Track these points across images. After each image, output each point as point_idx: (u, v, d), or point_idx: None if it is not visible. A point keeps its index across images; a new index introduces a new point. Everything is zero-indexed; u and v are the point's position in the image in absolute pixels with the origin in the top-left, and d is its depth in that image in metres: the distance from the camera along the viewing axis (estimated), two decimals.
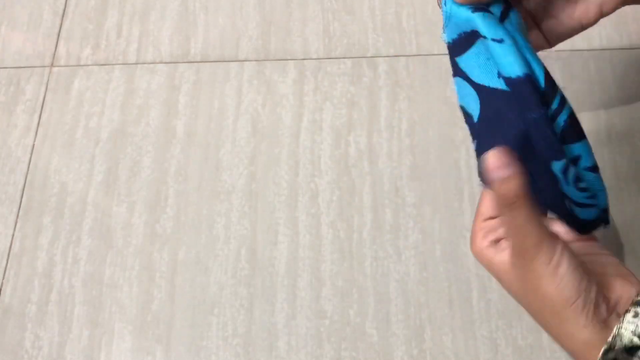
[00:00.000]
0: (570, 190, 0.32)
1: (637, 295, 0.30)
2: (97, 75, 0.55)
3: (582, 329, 0.29)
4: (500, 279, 0.34)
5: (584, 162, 0.31)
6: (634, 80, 0.52)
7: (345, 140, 0.51)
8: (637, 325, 0.28)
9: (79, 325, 0.46)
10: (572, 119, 0.30)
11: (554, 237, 0.30)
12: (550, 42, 0.37)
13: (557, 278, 0.29)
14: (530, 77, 0.29)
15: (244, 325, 0.45)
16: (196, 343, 0.45)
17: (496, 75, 0.31)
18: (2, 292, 0.48)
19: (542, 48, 0.37)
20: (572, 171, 0.31)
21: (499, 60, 0.30)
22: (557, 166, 0.31)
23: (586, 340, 0.29)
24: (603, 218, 0.34)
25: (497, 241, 0.34)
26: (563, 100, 0.30)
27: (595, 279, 0.30)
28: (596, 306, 0.29)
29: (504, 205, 0.29)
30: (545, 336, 0.43)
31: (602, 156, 0.49)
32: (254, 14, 0.57)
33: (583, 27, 0.36)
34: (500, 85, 0.31)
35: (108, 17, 0.58)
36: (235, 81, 0.54)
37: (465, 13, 0.31)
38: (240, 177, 0.50)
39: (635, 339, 0.28)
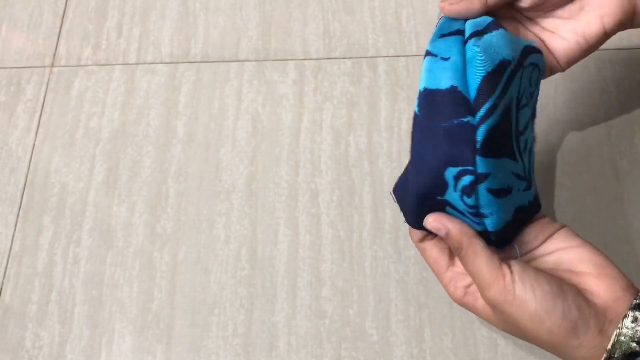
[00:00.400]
0: (454, 198, 0.32)
1: (635, 298, 0.29)
2: (97, 75, 0.55)
3: (577, 349, 0.29)
4: (490, 322, 0.34)
5: (489, 183, 0.31)
6: (633, 80, 0.52)
7: (345, 140, 0.51)
8: (636, 331, 0.28)
9: (80, 325, 0.46)
10: (491, 135, 0.31)
11: (504, 268, 0.31)
12: (562, 65, 0.36)
13: (530, 314, 0.29)
14: (454, 89, 0.31)
15: (244, 325, 0.45)
16: (196, 343, 0.45)
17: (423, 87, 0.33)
18: (2, 291, 0.48)
19: (555, 71, 0.37)
20: (464, 181, 0.31)
21: (433, 75, 0.32)
22: (450, 172, 0.31)
23: (586, 355, 0.29)
24: (490, 238, 0.34)
25: (468, 287, 0.34)
26: (489, 114, 0.30)
27: (572, 290, 0.30)
28: (584, 321, 0.29)
29: (454, 249, 0.33)
30: None
31: (602, 156, 0.49)
32: (254, 14, 0.57)
33: (589, 44, 0.35)
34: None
35: (108, 17, 0.58)
36: (236, 81, 0.54)
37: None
38: (240, 177, 0.50)
39: (634, 345, 0.28)
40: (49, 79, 0.56)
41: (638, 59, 0.52)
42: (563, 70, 0.37)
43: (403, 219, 0.37)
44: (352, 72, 0.54)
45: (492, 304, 0.31)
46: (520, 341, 0.43)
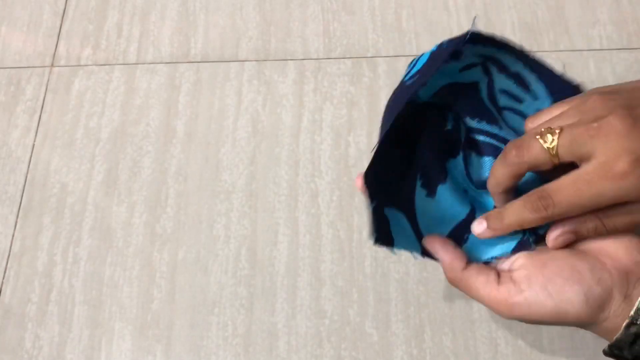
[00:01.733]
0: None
1: None
2: (97, 75, 0.55)
3: (604, 321, 0.29)
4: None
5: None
6: (633, 80, 0.52)
7: (345, 140, 0.51)
8: None
9: (79, 325, 0.46)
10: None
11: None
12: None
13: (545, 311, 0.29)
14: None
15: (244, 325, 0.45)
16: (196, 343, 0.45)
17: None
18: (2, 292, 0.48)
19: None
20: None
21: None
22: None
23: (613, 323, 0.29)
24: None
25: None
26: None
27: (588, 266, 0.29)
28: (607, 294, 0.28)
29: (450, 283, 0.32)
30: (545, 336, 0.43)
31: None
32: (254, 14, 0.57)
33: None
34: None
35: (108, 17, 0.58)
36: (236, 81, 0.54)
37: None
38: (240, 177, 0.50)
39: None
40: (48, 79, 0.56)
41: (638, 59, 0.52)
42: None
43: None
44: (352, 72, 0.54)
45: (514, 318, 0.31)
46: (520, 341, 0.43)
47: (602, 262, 0.29)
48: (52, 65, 0.56)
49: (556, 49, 0.53)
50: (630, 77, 0.52)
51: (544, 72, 0.32)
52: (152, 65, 0.55)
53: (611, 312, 0.28)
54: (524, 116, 0.33)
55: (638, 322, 0.28)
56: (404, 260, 0.46)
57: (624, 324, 0.28)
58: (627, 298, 0.28)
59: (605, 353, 0.30)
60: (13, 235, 0.50)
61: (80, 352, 0.45)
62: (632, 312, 0.28)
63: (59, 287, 0.47)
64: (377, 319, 0.45)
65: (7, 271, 0.48)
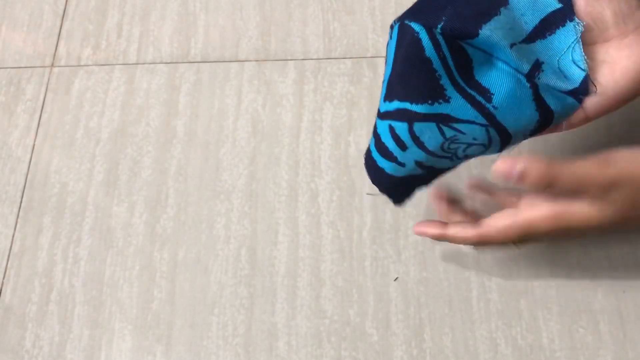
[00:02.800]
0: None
1: None
2: (97, 75, 0.55)
3: None
4: (593, 219, 0.32)
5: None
6: None
7: (345, 140, 0.51)
8: None
9: (79, 325, 0.46)
10: None
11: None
12: (588, 112, 0.34)
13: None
14: None
15: (244, 325, 0.45)
16: (196, 343, 0.45)
17: None
18: (2, 291, 0.48)
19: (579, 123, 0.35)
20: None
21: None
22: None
23: None
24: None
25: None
26: None
27: None
28: None
29: (542, 185, 0.31)
30: (545, 336, 0.43)
31: None
32: (254, 14, 0.57)
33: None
34: None
35: (108, 17, 0.58)
36: (236, 81, 0.54)
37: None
38: (240, 177, 0.50)
39: None
40: (49, 79, 0.56)
41: None
42: (587, 120, 0.34)
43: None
44: (352, 72, 0.54)
45: (615, 182, 0.30)
46: (520, 341, 0.43)
47: None
48: (52, 65, 0.56)
49: None
50: None
51: None
52: (152, 65, 0.55)
53: None
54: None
55: None
56: (403, 260, 0.46)
57: None
58: None
59: None
60: (13, 235, 0.50)
61: (80, 352, 0.45)
62: None
63: (59, 287, 0.47)
64: (377, 319, 0.45)
65: (7, 271, 0.48)
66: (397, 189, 0.38)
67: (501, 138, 0.34)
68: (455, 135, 0.33)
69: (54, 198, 0.51)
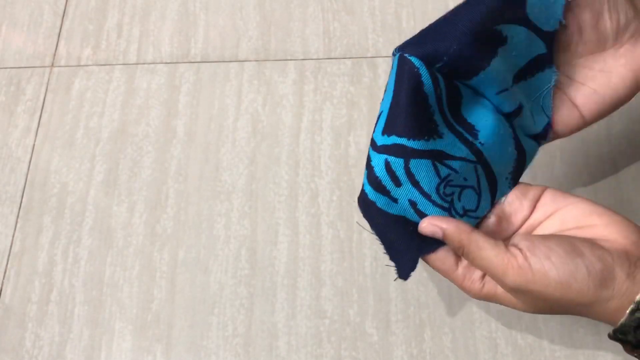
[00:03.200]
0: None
1: None
2: (97, 75, 0.55)
3: (610, 300, 0.28)
4: (516, 308, 0.33)
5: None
6: None
7: (345, 140, 0.51)
8: None
9: (80, 325, 0.46)
10: None
11: (513, 251, 0.30)
12: (587, 118, 0.35)
13: (550, 286, 0.29)
14: None
15: (244, 325, 0.45)
16: (196, 343, 0.45)
17: None
18: (2, 291, 0.48)
19: (576, 128, 0.36)
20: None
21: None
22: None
23: (620, 304, 0.28)
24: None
25: (484, 277, 0.33)
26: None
27: (587, 244, 0.29)
28: (609, 270, 0.28)
29: (457, 250, 0.32)
30: (545, 336, 0.43)
31: (602, 156, 0.49)
32: (254, 14, 0.57)
33: (620, 98, 0.35)
34: None
35: (108, 17, 0.58)
36: (236, 81, 0.54)
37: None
38: (240, 177, 0.50)
39: None
40: (49, 79, 0.56)
41: None
42: (584, 125, 0.35)
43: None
44: (352, 72, 0.54)
45: (514, 289, 0.30)
46: (520, 341, 0.43)
47: (599, 245, 0.30)
48: (52, 65, 0.56)
49: None
50: None
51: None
52: (152, 65, 0.55)
53: (615, 290, 0.28)
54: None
55: None
56: None
57: (629, 310, 0.28)
58: (631, 276, 0.28)
59: (610, 337, 0.29)
60: (13, 235, 0.50)
61: (80, 352, 0.45)
62: (637, 298, 0.28)
63: (59, 287, 0.47)
64: (377, 319, 0.45)
65: (7, 271, 0.48)
66: (394, 237, 0.34)
67: (488, 181, 0.34)
68: (449, 175, 0.33)
69: (54, 198, 0.51)
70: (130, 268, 0.48)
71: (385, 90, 0.33)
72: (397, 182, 0.33)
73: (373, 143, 0.33)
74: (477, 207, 0.34)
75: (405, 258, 0.33)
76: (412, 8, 0.56)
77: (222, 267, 0.47)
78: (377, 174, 0.33)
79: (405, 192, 0.33)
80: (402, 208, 0.33)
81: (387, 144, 0.32)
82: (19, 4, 0.60)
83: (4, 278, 0.48)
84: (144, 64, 0.56)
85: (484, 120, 0.33)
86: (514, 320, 0.44)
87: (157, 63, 0.56)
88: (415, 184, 0.33)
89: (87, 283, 0.48)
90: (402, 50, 0.32)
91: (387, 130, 0.32)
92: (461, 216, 0.34)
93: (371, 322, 0.45)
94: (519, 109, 0.34)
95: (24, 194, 0.51)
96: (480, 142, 0.33)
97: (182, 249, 0.48)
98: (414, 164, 0.32)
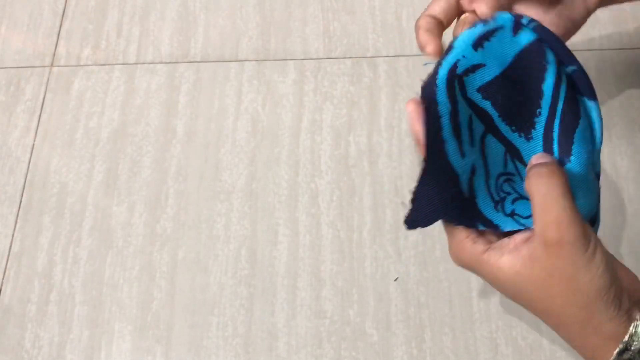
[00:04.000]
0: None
1: None
2: (97, 75, 0.55)
3: (608, 322, 0.28)
4: (504, 285, 0.31)
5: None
6: (633, 80, 0.52)
7: (345, 140, 0.51)
8: None
9: (79, 325, 0.46)
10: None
11: (587, 225, 0.29)
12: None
13: (594, 267, 0.28)
14: None
15: (244, 325, 0.45)
16: (196, 343, 0.45)
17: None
18: (2, 292, 0.48)
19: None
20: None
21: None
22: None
23: (611, 334, 0.28)
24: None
25: (491, 243, 0.31)
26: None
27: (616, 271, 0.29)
28: (621, 297, 0.28)
29: (541, 173, 0.28)
30: (545, 336, 0.43)
31: (602, 156, 0.49)
32: (254, 14, 0.57)
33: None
34: None
35: (108, 17, 0.58)
36: (235, 81, 0.54)
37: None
38: (240, 177, 0.50)
39: None
40: (48, 79, 0.56)
41: (638, 59, 0.52)
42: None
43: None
44: (352, 72, 0.54)
45: (542, 249, 0.28)
46: (520, 341, 0.43)
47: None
48: (52, 65, 0.56)
49: None
50: (630, 77, 0.52)
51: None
52: (152, 65, 0.55)
53: (617, 317, 0.28)
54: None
55: (631, 349, 0.27)
56: (403, 260, 0.46)
57: (617, 350, 0.27)
58: (629, 312, 0.28)
59: None
60: (13, 235, 0.50)
61: (80, 352, 0.45)
62: (625, 338, 0.27)
63: (59, 287, 0.47)
64: (377, 319, 0.45)
65: (7, 271, 0.48)
66: (431, 187, 0.32)
67: None
68: (512, 175, 0.32)
69: (53, 198, 0.51)
70: (130, 268, 0.48)
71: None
72: (472, 143, 0.31)
73: (464, 87, 0.31)
74: (529, 216, 0.31)
75: (425, 211, 0.31)
76: (412, 8, 0.56)
77: (222, 267, 0.47)
78: (461, 123, 0.31)
79: (473, 155, 0.31)
80: (465, 167, 0.31)
81: (478, 103, 0.31)
82: (18, 3, 0.60)
83: (3, 278, 0.48)
84: (143, 63, 0.56)
85: (581, 153, 0.31)
86: (514, 320, 0.44)
87: (156, 63, 0.56)
88: (484, 156, 0.31)
89: (86, 283, 0.47)
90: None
91: (483, 91, 0.31)
92: (508, 216, 0.32)
93: (371, 322, 0.45)
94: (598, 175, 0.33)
95: (24, 194, 0.51)
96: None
97: (182, 249, 0.48)
98: (490, 139, 0.31)
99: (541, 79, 0.30)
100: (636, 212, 0.47)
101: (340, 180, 0.50)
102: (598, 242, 0.28)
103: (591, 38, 0.53)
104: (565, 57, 0.30)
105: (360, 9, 0.57)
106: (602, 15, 0.54)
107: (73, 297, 0.47)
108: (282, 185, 0.50)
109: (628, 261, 0.45)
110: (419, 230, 0.47)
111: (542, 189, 0.28)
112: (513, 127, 0.31)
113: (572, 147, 0.30)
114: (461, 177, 0.31)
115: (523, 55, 0.30)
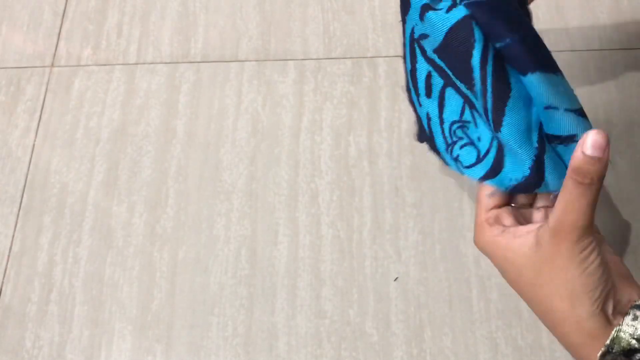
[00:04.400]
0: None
1: (638, 299, 0.30)
2: (97, 75, 0.55)
3: (589, 318, 0.29)
4: (510, 265, 0.32)
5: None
6: (633, 80, 0.52)
7: (345, 140, 0.51)
8: (635, 329, 0.28)
9: (79, 325, 0.46)
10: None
11: (596, 229, 0.31)
12: None
13: (586, 264, 0.29)
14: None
15: (244, 325, 0.45)
16: (196, 343, 0.45)
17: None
18: (2, 291, 0.48)
19: None
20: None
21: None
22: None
23: (590, 331, 0.29)
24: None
25: (505, 227, 0.33)
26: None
27: (612, 278, 0.30)
28: (606, 300, 0.29)
29: (580, 182, 0.29)
30: (545, 336, 0.43)
31: None
32: (254, 14, 0.57)
33: None
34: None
35: (108, 17, 0.58)
36: (235, 81, 0.54)
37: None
38: (240, 177, 0.50)
39: (634, 342, 0.28)
40: (48, 79, 0.56)
41: (638, 59, 0.52)
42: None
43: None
44: (352, 72, 0.54)
45: (553, 234, 0.30)
46: (520, 341, 0.43)
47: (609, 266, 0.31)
48: (52, 65, 0.56)
49: (556, 49, 0.53)
50: (630, 77, 0.52)
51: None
52: (152, 65, 0.55)
53: (596, 315, 0.29)
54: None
55: (613, 351, 0.28)
56: (404, 260, 0.46)
57: (600, 353, 0.29)
58: (608, 321, 0.29)
59: None
60: (13, 235, 0.50)
61: (80, 352, 0.45)
62: (607, 341, 0.28)
63: (59, 287, 0.47)
64: (377, 319, 0.45)
65: (7, 271, 0.48)
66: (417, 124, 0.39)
67: (493, 165, 0.33)
68: (468, 122, 0.34)
69: (54, 198, 0.51)
70: (130, 268, 0.48)
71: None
72: (429, 94, 0.35)
73: (423, 50, 0.35)
74: (470, 166, 0.35)
75: (421, 130, 0.37)
76: None
77: (222, 267, 0.47)
78: (418, 79, 0.35)
79: (430, 106, 0.36)
80: (422, 114, 0.37)
81: (437, 62, 0.34)
82: (18, 4, 0.60)
83: (3, 278, 0.48)
84: (143, 63, 0.56)
85: (517, 118, 0.31)
86: (514, 320, 0.44)
87: (157, 63, 0.56)
88: (441, 106, 0.35)
89: (87, 283, 0.48)
90: (471, 8, 0.30)
91: (437, 54, 0.33)
92: (453, 160, 0.35)
93: (371, 322, 0.45)
94: (569, 137, 0.32)
95: (24, 194, 0.51)
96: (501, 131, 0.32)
97: (182, 249, 0.48)
98: (450, 91, 0.34)
99: (469, 55, 0.31)
100: (636, 212, 0.47)
101: (340, 180, 0.50)
102: (600, 246, 0.30)
103: (591, 38, 0.53)
104: (496, 33, 0.30)
105: (360, 9, 0.57)
106: (602, 15, 0.54)
107: (73, 297, 0.47)
108: (282, 185, 0.50)
109: (628, 261, 0.45)
110: (419, 230, 0.47)
111: (576, 192, 0.30)
112: (466, 86, 0.33)
113: (503, 118, 0.32)
114: (423, 121, 0.37)
115: (451, 33, 0.31)
